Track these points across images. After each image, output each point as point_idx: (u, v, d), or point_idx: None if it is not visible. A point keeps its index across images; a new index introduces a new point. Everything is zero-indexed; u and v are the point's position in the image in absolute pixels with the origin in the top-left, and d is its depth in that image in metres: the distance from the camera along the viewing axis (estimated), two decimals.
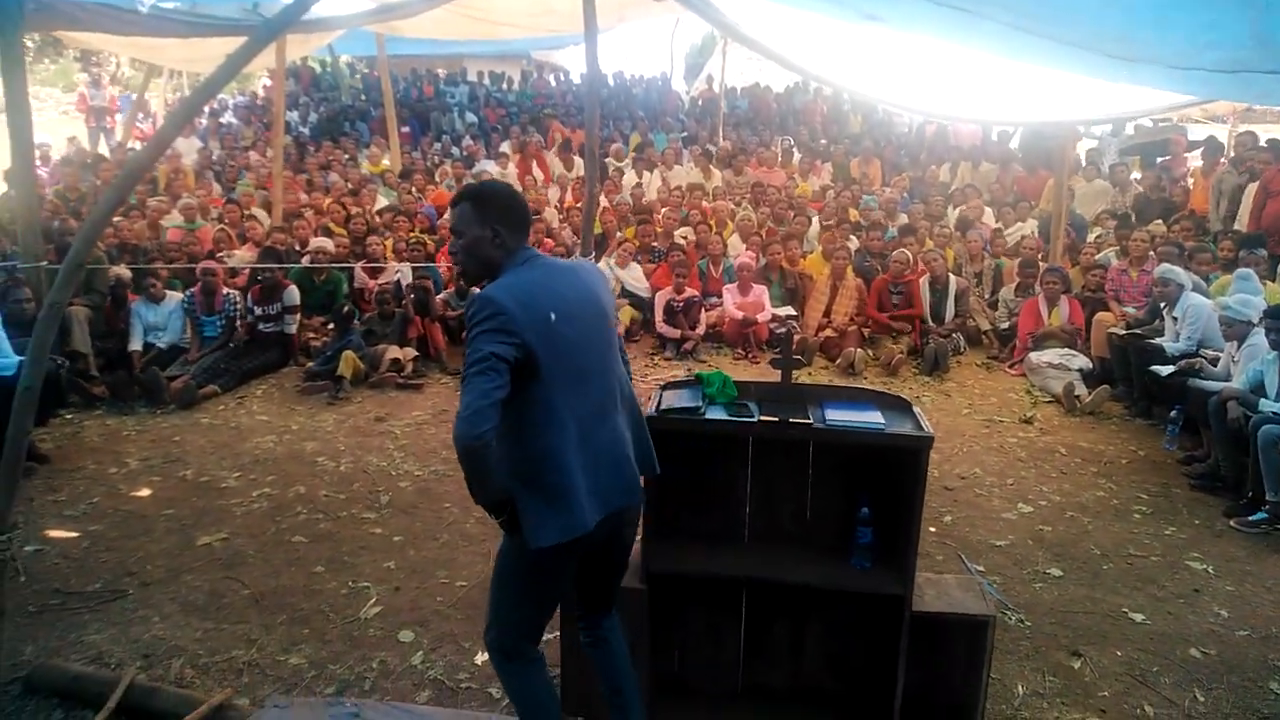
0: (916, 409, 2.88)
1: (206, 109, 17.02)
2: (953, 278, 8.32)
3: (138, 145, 13.92)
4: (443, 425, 6.13)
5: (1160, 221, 9.37)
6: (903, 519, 2.85)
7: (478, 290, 2.40)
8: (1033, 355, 7.35)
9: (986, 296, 8.82)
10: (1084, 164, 11.89)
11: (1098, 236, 9.73)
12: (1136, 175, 12.07)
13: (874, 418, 2.78)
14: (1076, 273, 8.52)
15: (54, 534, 4.53)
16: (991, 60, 5.92)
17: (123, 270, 7.36)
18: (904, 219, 10.00)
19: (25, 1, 6.15)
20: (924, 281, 8.19)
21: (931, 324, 8.10)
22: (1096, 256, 8.65)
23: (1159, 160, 12.56)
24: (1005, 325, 8.25)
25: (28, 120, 6.40)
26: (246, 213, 9.39)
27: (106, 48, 14.23)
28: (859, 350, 7.58)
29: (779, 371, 3.03)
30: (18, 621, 3.66)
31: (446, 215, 2.41)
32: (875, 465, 2.97)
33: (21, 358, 5.23)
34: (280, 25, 2.68)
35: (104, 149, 14.29)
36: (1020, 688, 3.41)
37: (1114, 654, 3.64)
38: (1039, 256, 8.72)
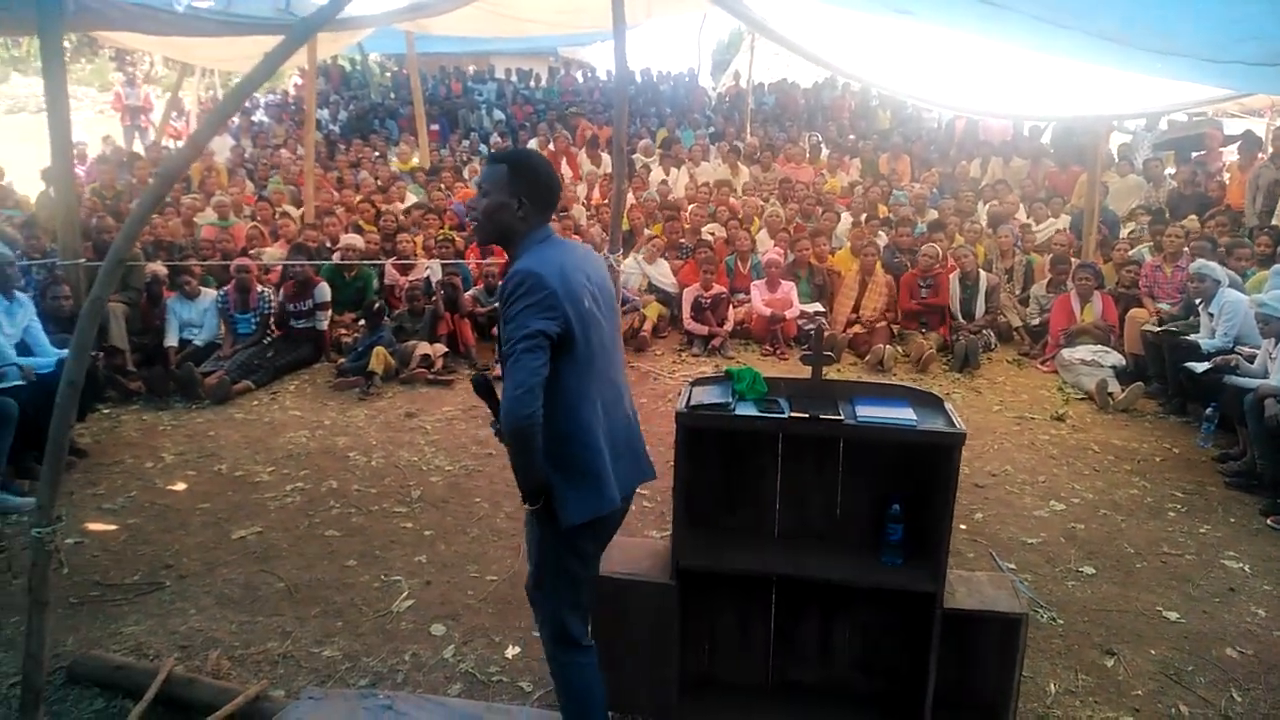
0: (948, 405, 2.87)
1: (240, 109, 17.24)
2: (983, 274, 8.26)
3: (172, 143, 14.11)
4: (472, 421, 6.17)
5: (1195, 217, 9.23)
6: (934, 516, 2.83)
7: (518, 265, 2.35)
8: (1065, 352, 7.28)
9: (1017, 293, 8.75)
10: (1117, 159, 11.74)
11: (1130, 232, 9.61)
12: (1171, 170, 11.89)
13: (906, 414, 2.77)
14: (1109, 269, 8.43)
15: (93, 527, 4.61)
16: (1023, 54, 5.88)
17: (159, 267, 7.47)
18: (933, 214, 9.93)
19: (65, 2, 6.25)
20: (954, 277, 8.13)
21: (962, 320, 8.04)
22: (1130, 252, 8.55)
23: (1194, 155, 12.36)
24: (1036, 322, 8.18)
25: (67, 119, 6.50)
26: (279, 210, 9.49)
27: (141, 47, 14.41)
28: (888, 346, 7.54)
29: (808, 368, 3.03)
30: (59, 612, 3.73)
31: (483, 176, 2.55)
32: (906, 462, 2.96)
33: (61, 354, 5.35)
34: (317, 23, 2.71)
35: (139, 147, 14.48)
36: (1052, 686, 3.39)
37: (1148, 653, 3.61)
38: (1071, 252, 8.63)
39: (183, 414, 6.34)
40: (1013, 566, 4.27)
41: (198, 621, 3.78)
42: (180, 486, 5.12)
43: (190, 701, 3.20)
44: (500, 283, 2.41)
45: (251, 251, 8.30)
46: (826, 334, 7.69)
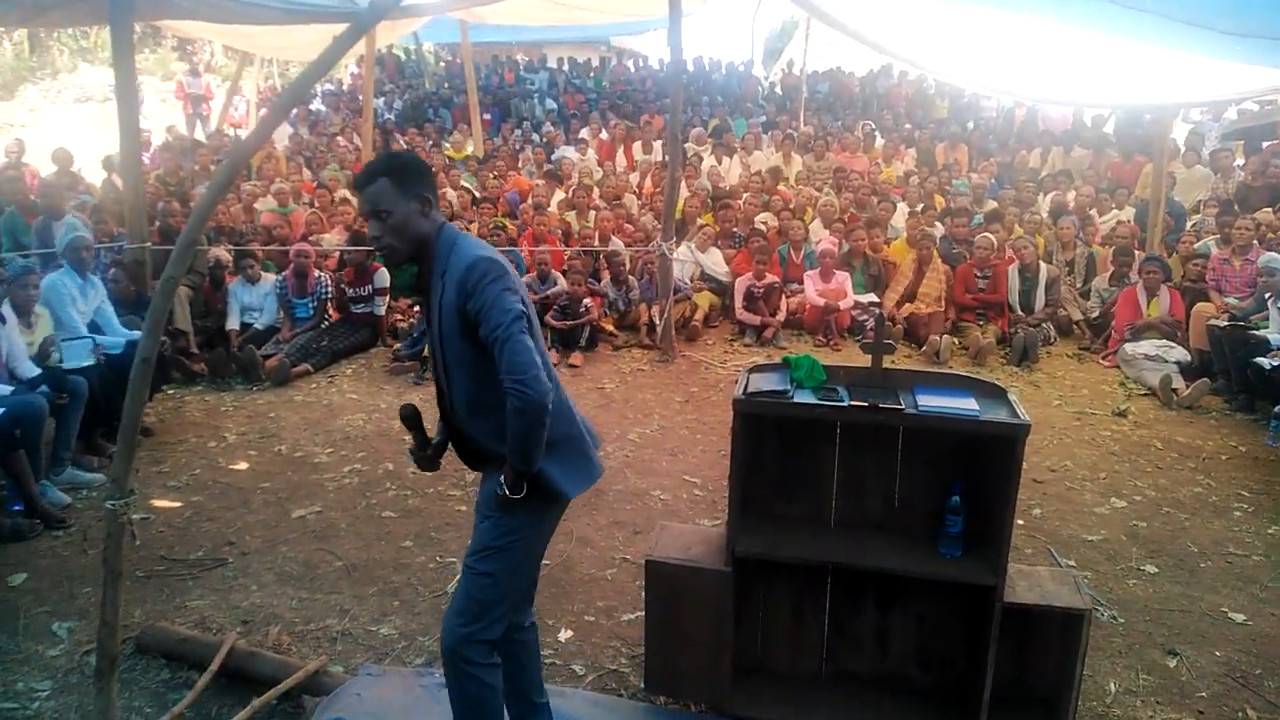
0: (1012, 396, 2.82)
1: None
2: (1043, 265, 8.10)
3: (232, 131, 14.38)
4: None
5: (1270, 210, 8.96)
6: (995, 508, 2.79)
7: (475, 255, 2.30)
8: (1127, 346, 7.12)
9: (1078, 286, 8.56)
10: (1183, 149, 11.42)
11: (1194, 224, 9.35)
12: (1240, 162, 11.54)
13: (968, 404, 2.73)
14: (1175, 262, 8.22)
15: (159, 504, 4.74)
16: (1087, 38, 5.73)
17: (222, 252, 7.63)
18: (992, 205, 9.76)
19: None
20: (1013, 269, 7.99)
21: (1021, 313, 7.90)
22: (1196, 245, 8.32)
23: (1265, 145, 11.99)
24: (1097, 315, 8.00)
25: (135, 108, 6.67)
26: (338, 195, 9.63)
27: (203, 36, 14.70)
28: (946, 337, 7.44)
29: (863, 357, 3.00)
30: (128, 585, 3.82)
31: (371, 199, 2.34)
32: (967, 453, 2.92)
33: (132, 335, 5.50)
34: (383, 10, 2.74)
35: (200, 135, 14.80)
36: (1113, 685, 3.33)
37: (1213, 654, 3.52)
38: (1135, 244, 8.43)
39: (244, 395, 6.48)
40: (1072, 563, 4.20)
41: (259, 597, 3.87)
42: (242, 466, 5.24)
43: (252, 674, 3.28)
44: (460, 278, 2.29)
45: (310, 237, 8.44)
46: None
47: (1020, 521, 4.55)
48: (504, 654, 2.61)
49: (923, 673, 3.14)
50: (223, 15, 7.06)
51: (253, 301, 7.40)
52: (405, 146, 13.06)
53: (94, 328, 5.58)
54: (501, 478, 2.35)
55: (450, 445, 2.65)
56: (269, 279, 7.53)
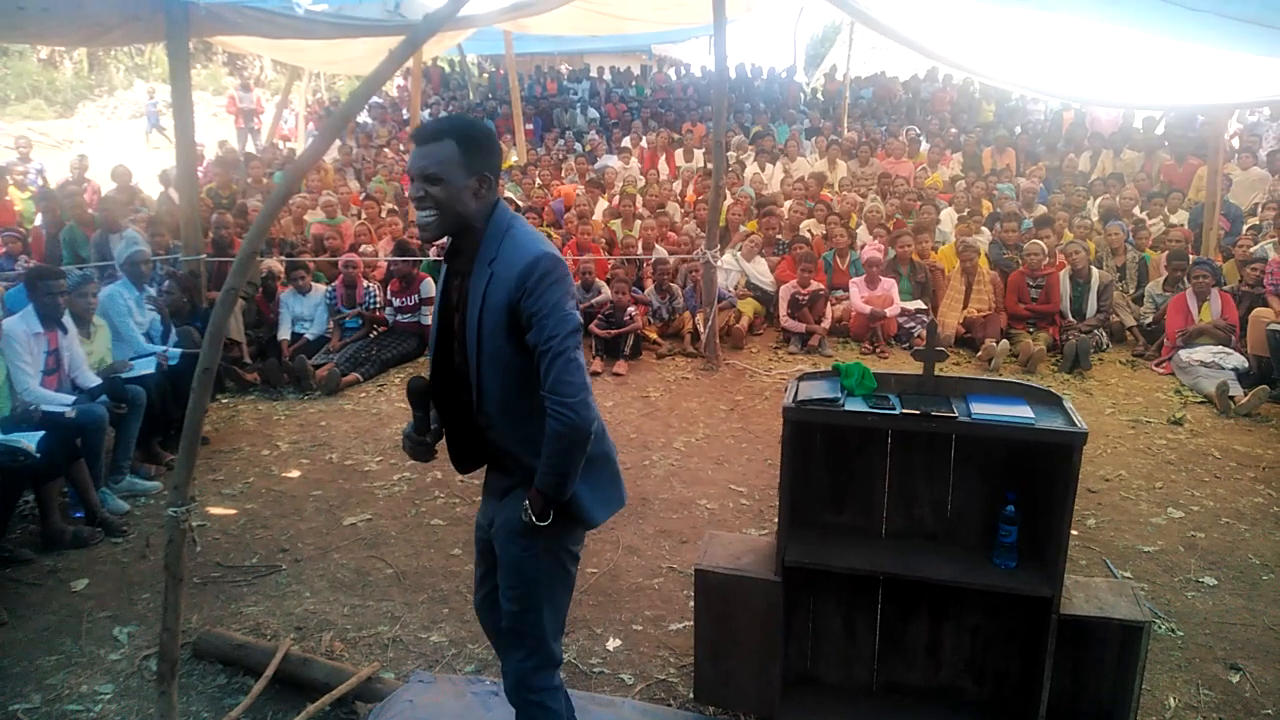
0: (1067, 403, 2.78)
1: None
2: (1095, 271, 7.96)
3: (282, 144, 14.65)
4: None
5: None
6: (1050, 518, 2.75)
7: (539, 250, 2.11)
8: (1182, 353, 6.97)
9: (1131, 291, 8.40)
10: (1238, 151, 11.16)
11: (1251, 227, 9.13)
12: None
13: (1023, 412, 2.69)
14: (1231, 266, 8.03)
15: (214, 511, 4.83)
16: (1139, 39, 5.63)
17: (274, 263, 7.78)
18: (1041, 210, 9.62)
19: (193, 9, 6.55)
20: (1064, 275, 7.86)
21: (1072, 319, 7.77)
22: (1253, 249, 8.12)
23: None
24: (1150, 321, 7.84)
25: (191, 123, 6.83)
26: (387, 207, 9.76)
27: (254, 51, 15.01)
28: (1004, 342, 7.34)
29: (911, 365, 2.97)
30: (186, 591, 3.92)
31: (429, 159, 2.06)
32: (1022, 462, 2.88)
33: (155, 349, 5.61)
34: (437, 22, 2.78)
35: (252, 148, 15.10)
36: (1172, 700, 3.25)
37: (1277, 670, 3.43)
38: (1189, 248, 8.25)
39: (296, 404, 6.58)
40: (1128, 575, 4.11)
41: (312, 604, 3.93)
42: (294, 474, 5.33)
43: (306, 680, 3.33)
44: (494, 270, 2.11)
45: (361, 249, 8.57)
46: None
47: (1074, 532, 4.44)
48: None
49: (977, 686, 3.10)
50: (275, 30, 7.21)
51: (303, 312, 7.53)
52: None
53: (148, 339, 5.71)
54: (526, 503, 2.16)
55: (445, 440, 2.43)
56: (319, 289, 7.65)
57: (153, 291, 5.97)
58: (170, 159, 10.31)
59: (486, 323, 2.12)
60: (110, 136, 19.71)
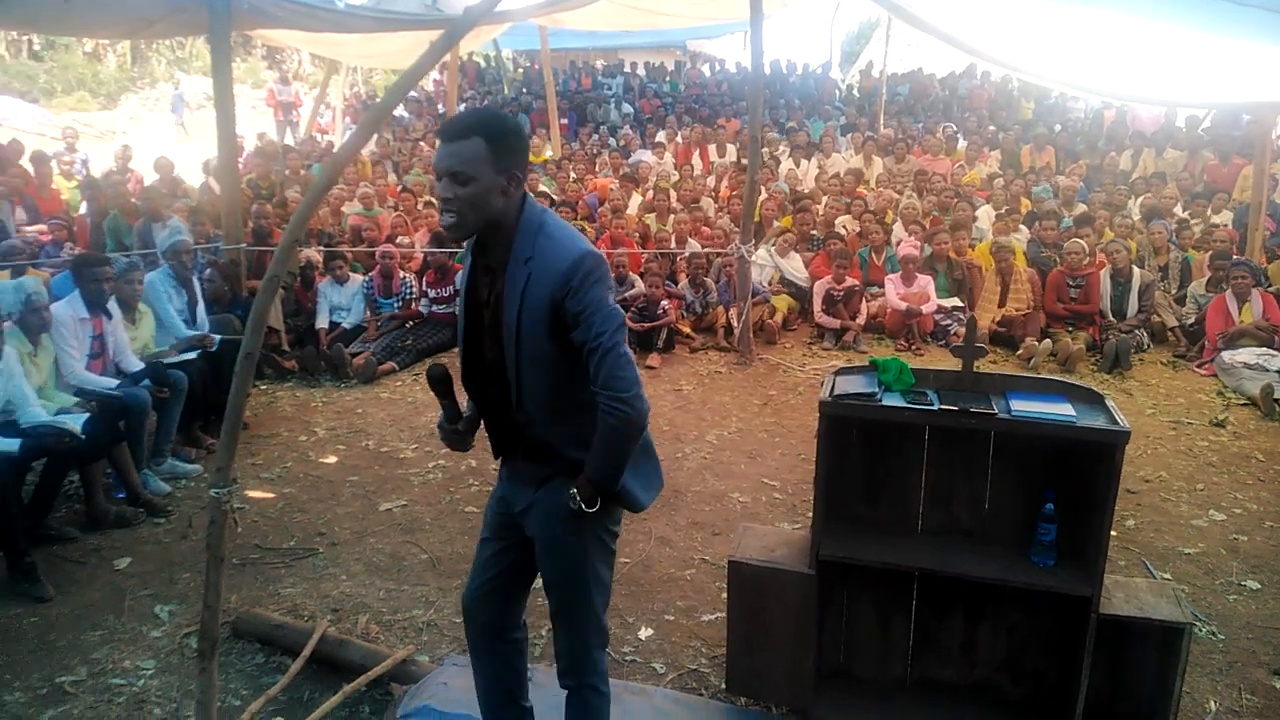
0: (1109, 402, 2.74)
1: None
2: (1136, 270, 7.84)
3: (320, 137, 14.80)
4: None
5: None
6: (1090, 517, 2.73)
7: (579, 248, 2.09)
8: (1225, 355, 6.86)
9: (1173, 291, 8.27)
10: None
11: None
12: None
13: (1064, 410, 2.66)
14: (1277, 268, 7.88)
15: (253, 494, 4.90)
16: (1183, 35, 5.54)
17: (313, 253, 7.87)
18: (1082, 208, 9.49)
19: (236, 2, 6.64)
20: (1104, 274, 7.76)
21: (1112, 319, 7.67)
22: None
23: None
24: (1192, 322, 7.71)
25: (232, 115, 6.93)
26: (424, 199, 9.84)
27: (292, 44, 15.16)
28: (1045, 341, 7.26)
29: (952, 361, 2.95)
30: (225, 572, 3.99)
31: (457, 158, 1.99)
32: (1062, 460, 2.85)
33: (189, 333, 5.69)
34: (476, 16, 2.79)
35: (290, 141, 15.27)
36: (1213, 703, 3.21)
37: None
38: (1234, 249, 8.11)
39: (333, 392, 6.66)
40: (1168, 576, 4.06)
41: (348, 587, 3.98)
42: (331, 460, 5.39)
43: (342, 661, 3.37)
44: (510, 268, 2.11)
45: (397, 240, 8.64)
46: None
47: (1113, 532, 4.40)
48: (494, 654, 2.53)
49: (1013, 684, 3.08)
50: (316, 24, 7.30)
51: (341, 301, 7.60)
52: None
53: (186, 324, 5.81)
54: (574, 492, 2.16)
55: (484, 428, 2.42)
56: (356, 279, 7.73)
57: (195, 279, 6.06)
58: (196, 150, 10.52)
59: (526, 322, 2.09)
60: (151, 128, 20.02)
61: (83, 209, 9.42)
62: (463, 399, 2.40)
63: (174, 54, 27.07)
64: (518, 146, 2.07)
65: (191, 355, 5.39)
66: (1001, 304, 7.79)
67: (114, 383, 4.85)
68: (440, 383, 2.27)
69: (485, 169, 2.00)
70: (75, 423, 4.32)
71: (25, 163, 10.02)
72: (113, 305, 5.05)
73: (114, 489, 4.73)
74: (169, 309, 5.69)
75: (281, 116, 16.71)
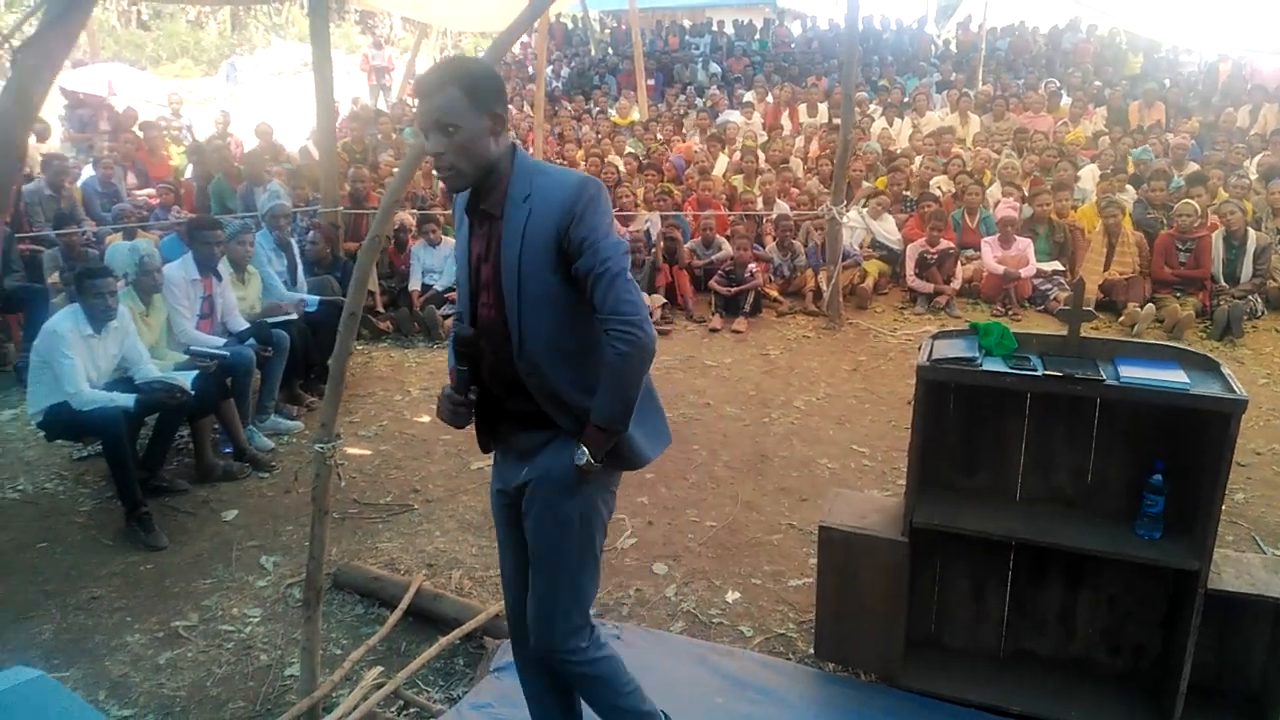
0: (1225, 369, 2.62)
1: None
2: (1251, 233, 7.42)
3: (412, 101, 14.99)
4: (690, 370, 6.28)
5: None
6: (1200, 489, 2.62)
7: (579, 176, 2.07)
8: None
9: None
10: None
11: None
12: None
13: (1177, 377, 2.55)
14: None
15: (352, 451, 5.07)
16: None
17: (406, 216, 8.02)
18: (1193, 168, 9.01)
19: None
20: (1217, 236, 7.37)
21: (1225, 284, 7.29)
22: None
23: None
24: None
25: (330, 81, 7.07)
26: None
27: (385, 8, 15.35)
28: (1149, 306, 6.97)
29: (1051, 327, 2.85)
30: (328, 525, 4.15)
31: (438, 110, 1.97)
32: (1172, 429, 2.73)
33: (320, 296, 5.86)
34: None
35: (383, 105, 15.53)
36: None
37: None
38: None
39: (425, 352, 6.82)
40: (1279, 553, 3.89)
41: (442, 543, 4.10)
42: (424, 419, 5.52)
43: (436, 615, 3.49)
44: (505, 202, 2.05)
45: None
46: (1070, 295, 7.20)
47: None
48: (536, 673, 2.41)
49: (1111, 657, 2.99)
50: None
51: (433, 264, 7.74)
52: (571, 114, 13.28)
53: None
54: (582, 445, 2.06)
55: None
56: (448, 242, 7.86)
57: (291, 242, 6.23)
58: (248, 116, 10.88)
59: (528, 262, 2.04)
60: (250, 93, 20.56)
61: (188, 173, 9.77)
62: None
63: (271, 21, 27.74)
64: (493, 87, 2.03)
65: (292, 316, 5.56)
66: (1106, 268, 7.48)
67: (222, 341, 5.05)
68: (469, 344, 2.17)
69: (468, 114, 1.98)
70: (186, 378, 4.52)
71: (135, 129, 10.43)
72: (223, 267, 5.25)
73: (221, 444, 4.94)
74: (269, 270, 5.88)
75: (375, 81, 17.00)
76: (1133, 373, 2.60)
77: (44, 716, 1.77)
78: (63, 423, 4.26)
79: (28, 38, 2.01)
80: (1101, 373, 2.61)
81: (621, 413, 2.05)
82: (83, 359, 4.21)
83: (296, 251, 6.23)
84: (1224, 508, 4.18)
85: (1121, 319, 6.99)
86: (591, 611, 2.28)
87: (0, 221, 2.12)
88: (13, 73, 2.04)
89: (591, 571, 2.24)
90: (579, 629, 2.22)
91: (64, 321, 4.23)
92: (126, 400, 4.24)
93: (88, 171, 8.77)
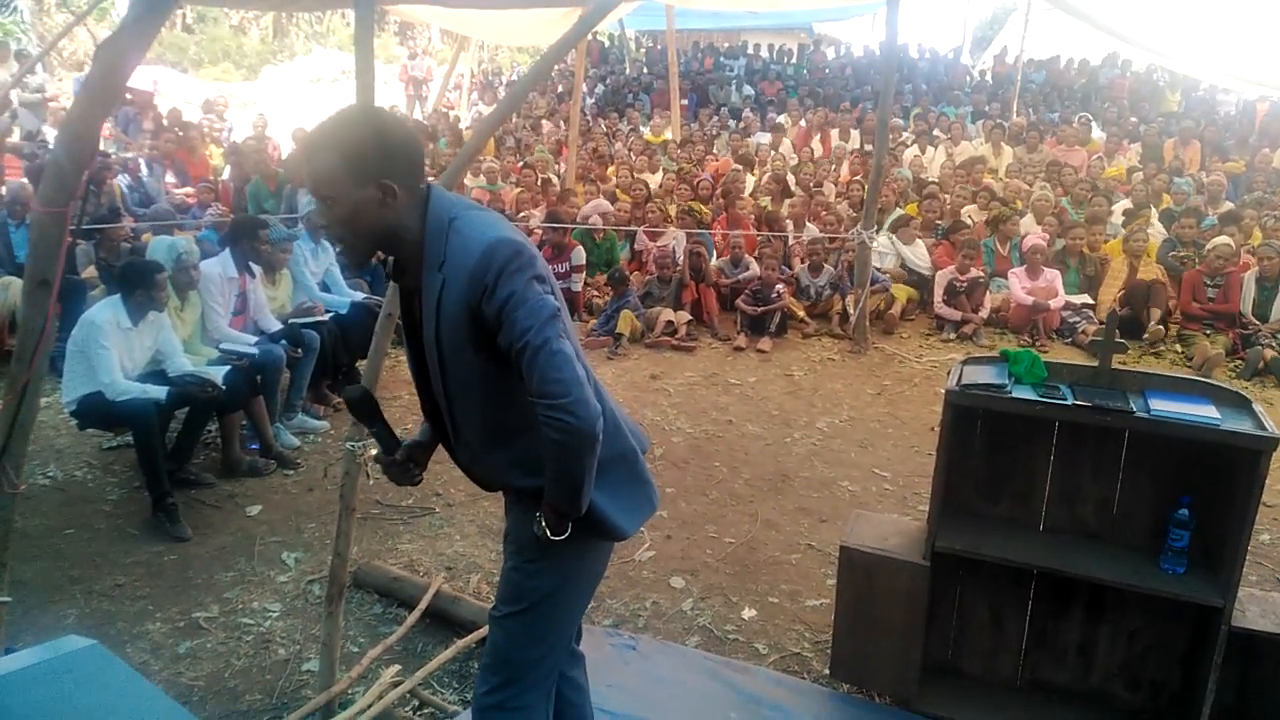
0: (1258, 407, 2.60)
1: (505, 80, 18.30)
2: None
3: (449, 113, 15.18)
4: (713, 387, 6.29)
5: None
6: (1227, 526, 2.60)
7: (487, 237, 1.76)
8: None
9: None
10: None
11: None
12: None
13: (1208, 412, 2.54)
14: None
15: (375, 453, 5.09)
16: None
17: None
18: (1228, 206, 8.95)
19: None
20: (1249, 276, 7.30)
21: (1256, 321, 7.22)
22: None
23: None
24: None
25: (372, 87, 7.12)
26: (542, 176, 10.01)
27: (426, 19, 15.52)
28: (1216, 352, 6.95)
29: (1079, 359, 2.85)
30: None
31: (312, 179, 1.74)
32: (1200, 464, 2.72)
33: (355, 296, 5.93)
34: None
35: (418, 115, 15.70)
36: None
37: None
38: None
39: None
40: None
41: (461, 546, 4.12)
42: None
43: (453, 617, 3.51)
44: (481, 266, 1.75)
45: (520, 215, 8.81)
46: (1094, 327, 7.16)
47: None
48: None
49: (1130, 692, 2.97)
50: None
51: None
52: (604, 131, 13.38)
53: (323, 288, 6.06)
54: (539, 517, 1.88)
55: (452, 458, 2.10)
56: None
57: (327, 244, 6.30)
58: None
59: (447, 338, 1.81)
60: (288, 99, 20.86)
61: (226, 174, 9.92)
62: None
63: (312, 29, 28.13)
64: (378, 152, 1.74)
65: (324, 317, 5.63)
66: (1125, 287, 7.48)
67: (253, 339, 5.12)
68: (361, 406, 2.02)
69: (344, 185, 1.72)
70: (217, 373, 4.59)
71: (176, 130, 10.61)
72: (255, 266, 5.32)
73: (248, 440, 4.99)
74: (303, 271, 5.95)
75: (412, 91, 17.18)
76: (1163, 406, 2.59)
77: (99, 683, 1.79)
78: (96, 412, 4.32)
79: (108, 36, 2.08)
80: (1131, 405, 2.60)
81: (569, 498, 1.82)
82: (119, 350, 4.29)
83: (333, 254, 6.31)
84: (1249, 547, 4.17)
85: (1146, 336, 6.97)
86: (537, 690, 2.04)
87: (71, 207, 2.16)
88: (93, 65, 2.11)
89: (539, 650, 2.00)
90: (503, 706, 1.99)
91: (103, 312, 4.30)
92: (159, 392, 4.30)
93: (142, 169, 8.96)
